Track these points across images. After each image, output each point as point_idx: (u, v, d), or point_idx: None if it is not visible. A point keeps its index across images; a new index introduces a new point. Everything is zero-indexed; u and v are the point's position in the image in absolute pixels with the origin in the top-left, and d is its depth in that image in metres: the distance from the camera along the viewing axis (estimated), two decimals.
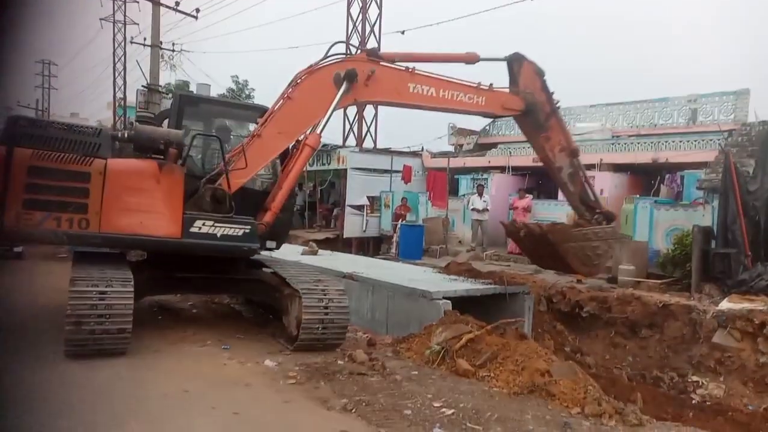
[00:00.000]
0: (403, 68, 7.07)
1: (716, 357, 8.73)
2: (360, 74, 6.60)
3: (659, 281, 11.49)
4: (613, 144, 17.78)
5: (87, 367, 4.91)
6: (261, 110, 7.01)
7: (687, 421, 7.19)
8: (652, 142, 16.68)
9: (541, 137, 7.85)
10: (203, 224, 5.80)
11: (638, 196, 14.91)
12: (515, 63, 7.63)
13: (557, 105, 7.89)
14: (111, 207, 5.54)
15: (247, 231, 5.99)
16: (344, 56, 6.81)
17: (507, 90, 7.66)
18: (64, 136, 5.68)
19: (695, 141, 15.76)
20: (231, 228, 5.90)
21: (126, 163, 5.85)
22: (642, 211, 13.44)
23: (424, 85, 7.09)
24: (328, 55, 6.65)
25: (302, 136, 6.61)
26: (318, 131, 6.67)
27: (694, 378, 8.83)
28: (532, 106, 7.64)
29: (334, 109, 6.57)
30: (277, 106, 6.49)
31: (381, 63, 6.93)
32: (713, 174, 12.44)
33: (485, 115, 8.07)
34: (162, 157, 5.91)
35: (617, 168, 16.85)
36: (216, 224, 5.84)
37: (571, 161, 7.95)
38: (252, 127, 6.91)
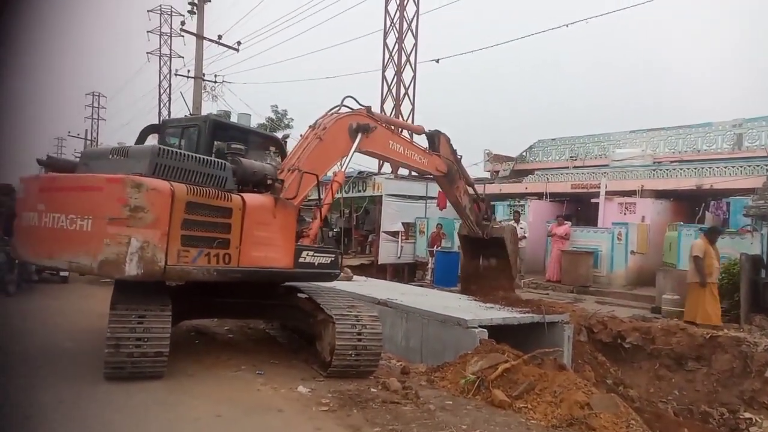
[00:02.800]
0: (387, 129, 8.64)
1: None
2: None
3: None
4: (654, 170, 17.40)
5: (124, 389, 4.98)
6: (276, 141, 8.07)
7: None
8: (695, 168, 16.26)
9: (453, 188, 10.18)
10: (308, 254, 6.23)
11: (682, 223, 14.47)
12: (435, 137, 9.87)
13: (460, 157, 10.27)
14: (247, 241, 5.62)
15: (333, 259, 6.54)
16: (352, 110, 7.90)
17: (436, 155, 9.69)
18: (199, 170, 5.57)
19: (741, 167, 15.29)
20: (324, 257, 6.43)
21: (254, 198, 5.87)
22: (686, 239, 12.99)
23: (397, 144, 8.82)
24: (340, 105, 7.80)
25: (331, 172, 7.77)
26: (343, 169, 7.77)
27: (747, 414, 8.37)
28: (450, 169, 9.91)
29: (352, 154, 7.71)
30: (311, 146, 7.16)
31: (378, 122, 8.35)
32: (761, 200, 12.00)
33: (423, 173, 10.12)
34: (261, 190, 6.12)
35: (659, 194, 16.45)
36: (315, 254, 6.32)
37: (470, 198, 10.56)
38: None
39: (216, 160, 5.91)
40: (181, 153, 5.65)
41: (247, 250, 5.62)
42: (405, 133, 10.43)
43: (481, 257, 11.15)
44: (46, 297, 10.63)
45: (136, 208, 4.88)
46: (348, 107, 7.86)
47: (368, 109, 8.14)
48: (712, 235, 10.75)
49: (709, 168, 15.90)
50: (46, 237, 5.59)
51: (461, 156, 10.32)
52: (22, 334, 7.36)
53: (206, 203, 5.33)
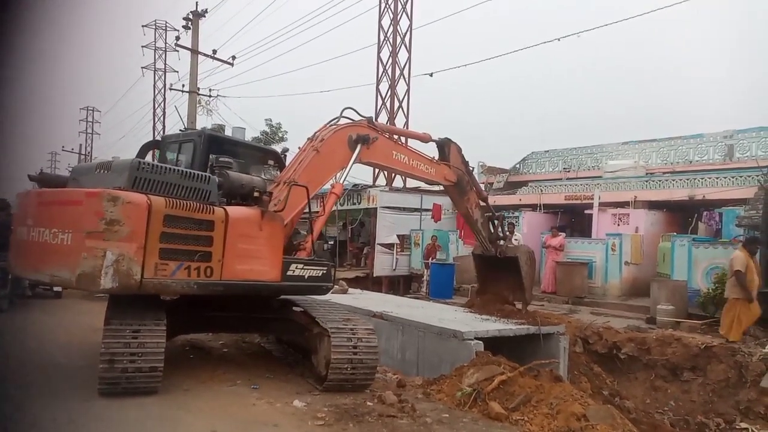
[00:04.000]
0: (390, 139, 8.49)
1: (765, 402, 8.29)
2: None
3: (700, 322, 11.09)
4: (647, 181, 17.54)
5: (119, 405, 4.94)
6: (273, 154, 8.06)
7: None
8: (687, 179, 16.41)
9: (464, 199, 9.78)
10: (296, 267, 6.16)
11: (675, 233, 14.57)
12: (445, 146, 9.52)
13: (471, 169, 10.03)
14: (230, 254, 5.57)
15: (325, 271, 6.46)
16: (352, 121, 7.81)
17: (445, 164, 9.41)
18: (181, 183, 5.55)
19: (733, 177, 15.43)
20: (314, 270, 6.34)
21: (238, 211, 5.82)
22: (680, 249, 13.08)
23: (402, 154, 8.62)
24: (339, 117, 7.69)
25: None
26: (341, 182, 7.66)
27: (743, 425, 8.37)
28: (460, 179, 9.58)
29: (351, 165, 7.60)
30: (308, 158, 7.11)
31: (380, 132, 8.17)
32: (753, 211, 12.09)
33: (431, 183, 9.74)
34: (248, 203, 6.05)
35: (652, 205, 16.57)
36: (305, 267, 6.25)
37: (482, 213, 10.07)
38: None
39: (199, 173, 5.90)
40: (161, 167, 5.65)
41: (230, 263, 5.57)
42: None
43: (494, 278, 10.50)
44: (40, 312, 10.56)
45: (112, 222, 4.88)
46: (348, 118, 7.79)
47: (369, 119, 8.02)
48: (751, 246, 9.93)
49: (701, 179, 16.04)
50: (33, 251, 5.63)
51: (473, 168, 10.05)
52: (15, 350, 7.30)
53: (186, 216, 5.30)
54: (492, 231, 10.22)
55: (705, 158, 18.78)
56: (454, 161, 9.51)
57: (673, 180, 16.87)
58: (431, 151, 9.62)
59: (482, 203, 10.10)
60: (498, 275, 10.41)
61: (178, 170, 5.76)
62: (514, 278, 10.03)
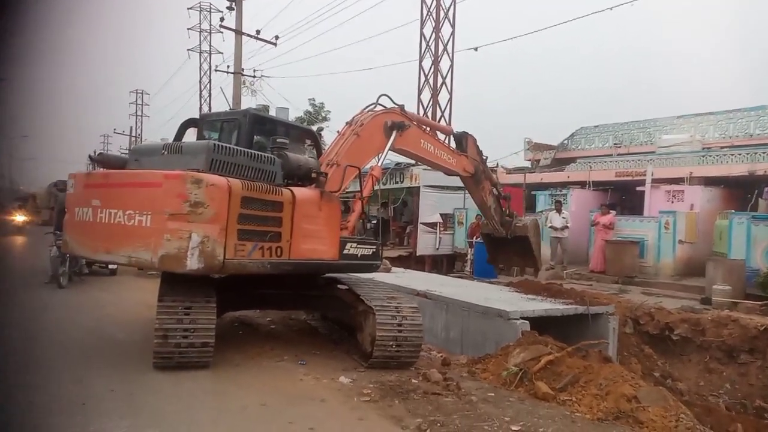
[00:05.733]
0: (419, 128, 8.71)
1: None
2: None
3: (759, 303, 10.58)
4: (703, 156, 16.76)
5: (173, 378, 5.13)
6: (311, 134, 8.26)
7: None
8: (747, 154, 15.57)
9: (479, 189, 10.14)
10: (351, 246, 6.36)
11: (733, 211, 13.90)
12: (462, 139, 9.85)
13: (485, 159, 10.30)
14: (297, 234, 5.75)
15: (374, 250, 6.66)
16: (386, 108, 7.96)
17: (464, 155, 9.69)
18: (251, 164, 5.71)
19: None
20: (365, 248, 6.56)
21: (303, 192, 5.98)
22: (738, 227, 12.48)
23: (429, 143, 8.83)
24: (375, 103, 7.88)
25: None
26: (379, 164, 7.86)
27: None
28: (477, 170, 9.86)
29: (387, 150, 7.84)
30: (349, 141, 7.30)
31: (411, 120, 8.41)
32: None
33: (451, 173, 9.84)
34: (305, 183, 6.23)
35: (708, 182, 15.85)
36: (358, 245, 6.45)
37: (495, 199, 10.49)
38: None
39: (266, 155, 6.00)
40: (234, 149, 5.73)
41: (297, 242, 5.73)
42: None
43: (504, 252, 11.14)
44: (97, 289, 11.04)
45: (197, 204, 4.99)
46: (383, 105, 7.97)
47: (401, 107, 8.21)
48: None
49: (763, 153, 15.20)
50: (103, 232, 5.72)
51: (486, 157, 10.36)
52: (74, 325, 7.67)
53: (259, 198, 5.44)
54: (503, 214, 10.68)
55: (767, 131, 17.78)
56: (471, 153, 9.83)
57: (732, 155, 16.05)
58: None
59: (494, 190, 10.56)
60: (508, 249, 11.07)
61: (248, 152, 5.85)
62: (523, 249, 10.65)
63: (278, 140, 6.45)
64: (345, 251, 6.23)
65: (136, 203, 5.34)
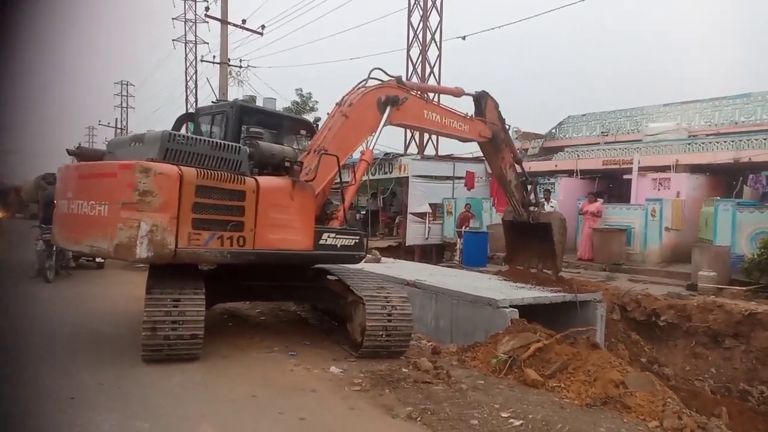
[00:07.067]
0: (420, 97, 8.19)
1: None
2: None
3: (744, 288, 10.75)
4: (689, 144, 16.89)
5: (162, 371, 5.11)
6: (306, 124, 7.97)
7: None
8: (732, 141, 15.72)
9: (498, 157, 9.51)
10: (329, 236, 6.21)
11: (719, 198, 14.05)
12: (482, 99, 9.23)
13: (507, 127, 9.73)
14: (262, 224, 5.66)
15: (357, 240, 6.48)
16: (380, 82, 7.52)
17: (479, 120, 9.09)
18: (212, 154, 5.63)
19: None
20: (347, 239, 6.39)
21: (269, 180, 5.89)
22: (723, 214, 12.62)
23: (433, 113, 8.32)
24: (367, 78, 7.41)
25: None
26: (371, 147, 7.50)
27: None
28: (495, 135, 9.27)
29: (381, 129, 7.36)
30: (336, 124, 6.90)
31: (409, 91, 7.85)
32: None
33: (465, 140, 9.30)
34: (279, 173, 6.08)
35: (694, 169, 15.99)
36: (337, 236, 6.29)
37: (516, 174, 9.84)
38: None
39: (230, 143, 5.93)
40: (192, 138, 5.70)
41: (262, 232, 5.64)
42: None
43: (523, 246, 10.39)
44: (84, 283, 10.94)
45: (145, 193, 4.97)
46: (377, 80, 7.54)
47: (398, 79, 7.77)
48: None
49: (748, 140, 15.34)
50: (73, 223, 5.80)
51: (510, 126, 9.68)
52: (62, 319, 7.60)
53: (217, 186, 5.37)
54: (525, 195, 9.98)
55: (752, 119, 17.92)
56: (491, 116, 9.20)
57: (718, 142, 16.19)
58: (464, 106, 9.29)
59: (517, 166, 9.84)
60: (528, 242, 10.24)
61: (209, 141, 5.79)
62: (545, 245, 9.84)
63: (252, 130, 6.42)
64: (321, 241, 6.11)
65: (98, 194, 5.39)
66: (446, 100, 9.19)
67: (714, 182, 16.14)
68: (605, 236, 14.82)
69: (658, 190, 15.89)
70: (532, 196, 10.12)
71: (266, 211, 5.67)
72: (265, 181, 5.77)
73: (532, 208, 10.03)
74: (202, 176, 5.28)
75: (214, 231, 5.35)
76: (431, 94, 9.26)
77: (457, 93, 9.16)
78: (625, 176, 17.11)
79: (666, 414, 4.51)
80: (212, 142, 5.81)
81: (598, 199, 16.08)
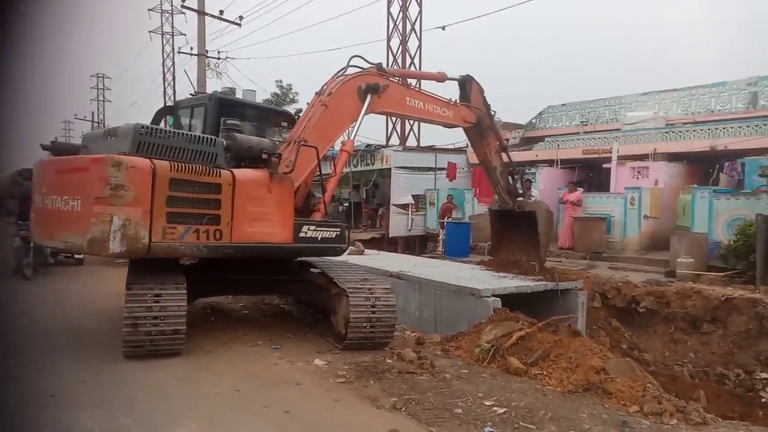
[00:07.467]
0: (402, 84, 8.10)
1: None
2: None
3: (721, 274, 10.97)
4: (667, 132, 17.12)
5: (144, 367, 5.06)
6: (287, 116, 7.83)
7: (756, 421, 6.83)
8: (709, 129, 15.97)
9: (483, 143, 9.44)
10: (309, 229, 6.17)
11: (696, 185, 14.29)
12: (467, 83, 9.12)
13: (493, 114, 9.66)
14: (239, 217, 5.60)
15: (338, 233, 6.44)
16: (360, 70, 7.42)
17: (464, 105, 9.00)
18: (187, 146, 5.54)
19: (756, 126, 14.98)
20: (328, 231, 6.35)
21: (246, 173, 5.81)
22: (700, 201, 12.85)
23: (416, 99, 8.26)
24: (347, 66, 7.32)
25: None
26: (352, 137, 7.38)
27: (763, 375, 8.39)
28: (480, 120, 9.20)
29: (362, 117, 7.24)
30: (316, 114, 6.81)
31: (390, 78, 7.75)
32: None
33: (449, 125, 9.16)
34: (257, 165, 6.01)
35: (672, 157, 16.23)
36: (317, 228, 6.25)
37: (502, 161, 9.75)
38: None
39: (205, 136, 5.86)
40: (165, 131, 5.60)
41: (239, 225, 5.59)
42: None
43: (508, 236, 10.41)
44: (63, 279, 10.77)
45: (117, 187, 4.91)
46: (357, 67, 7.44)
47: (378, 66, 7.68)
48: None
49: (723, 128, 15.60)
50: (48, 218, 5.73)
51: (495, 112, 9.59)
52: (41, 316, 7.48)
53: (192, 179, 5.30)
54: (510, 183, 9.99)
55: (727, 107, 18.21)
56: (476, 101, 9.11)
57: (694, 131, 16.43)
58: (448, 92, 9.22)
59: (504, 155, 9.80)
60: (513, 232, 10.29)
61: (183, 134, 5.72)
62: (529, 236, 9.90)
63: (228, 122, 6.35)
64: (301, 234, 6.08)
65: (71, 189, 5.32)
66: (430, 87, 9.13)
67: (691, 170, 16.39)
68: (585, 225, 14.99)
69: (637, 178, 16.10)
70: (517, 186, 10.16)
71: (243, 204, 5.62)
72: (241, 173, 5.71)
73: (519, 199, 10.03)
74: (176, 169, 5.21)
75: (189, 225, 5.29)
76: (413, 81, 9.19)
77: (441, 78, 9.03)
78: (604, 165, 17.29)
79: (646, 399, 4.60)
80: (187, 134, 5.74)
81: (578, 188, 16.25)
